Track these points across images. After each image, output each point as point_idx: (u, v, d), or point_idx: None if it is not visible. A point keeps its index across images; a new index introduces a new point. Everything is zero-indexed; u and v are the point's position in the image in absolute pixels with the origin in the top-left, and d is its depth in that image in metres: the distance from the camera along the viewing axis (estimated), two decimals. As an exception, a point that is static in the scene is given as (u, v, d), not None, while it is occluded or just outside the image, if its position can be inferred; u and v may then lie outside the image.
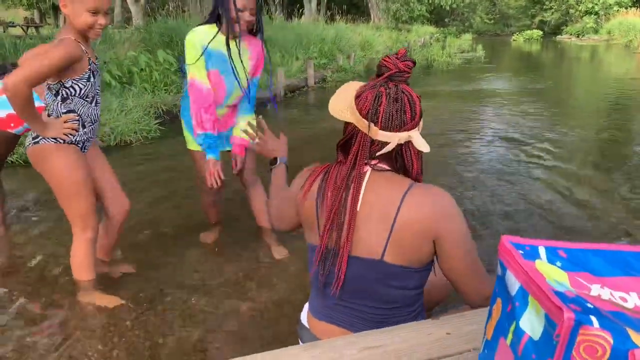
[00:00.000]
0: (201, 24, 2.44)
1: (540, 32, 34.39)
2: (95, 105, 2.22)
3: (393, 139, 1.28)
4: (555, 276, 0.90)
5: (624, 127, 6.37)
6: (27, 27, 14.82)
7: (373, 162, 1.31)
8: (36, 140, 2.11)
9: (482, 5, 39.91)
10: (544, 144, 5.27)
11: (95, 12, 2.00)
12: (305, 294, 2.03)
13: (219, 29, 2.41)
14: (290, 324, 2.07)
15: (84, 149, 2.23)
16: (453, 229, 1.27)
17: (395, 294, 1.32)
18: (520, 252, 0.96)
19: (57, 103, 2.10)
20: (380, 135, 1.27)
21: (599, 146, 5.40)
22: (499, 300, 0.90)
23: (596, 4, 31.33)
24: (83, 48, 2.05)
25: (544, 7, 38.91)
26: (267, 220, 2.83)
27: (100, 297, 2.32)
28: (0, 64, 3.16)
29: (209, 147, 2.45)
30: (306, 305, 1.53)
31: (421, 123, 1.32)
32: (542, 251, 0.97)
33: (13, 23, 15.14)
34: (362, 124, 1.28)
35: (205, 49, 2.38)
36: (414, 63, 1.33)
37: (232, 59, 2.44)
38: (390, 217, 1.26)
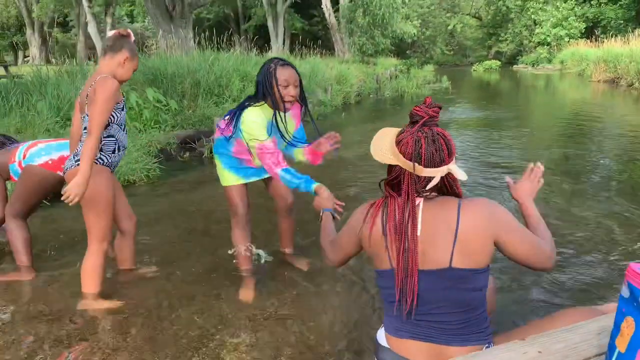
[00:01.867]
0: (249, 104, 2.59)
1: (499, 62, 35.92)
2: (126, 133, 2.67)
3: (436, 173, 1.53)
4: None
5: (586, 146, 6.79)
6: (-4, 66, 14.57)
7: (425, 192, 1.56)
8: (79, 161, 2.42)
9: (441, 38, 41.45)
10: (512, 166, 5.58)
11: (133, 59, 2.60)
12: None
13: (270, 105, 2.58)
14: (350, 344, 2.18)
15: (113, 171, 2.66)
16: (507, 220, 1.53)
17: (469, 296, 1.52)
18: None
19: None
20: (425, 172, 1.53)
21: (566, 166, 5.76)
22: (629, 318, 1.05)
23: (548, 36, 33.05)
24: (119, 84, 2.52)
25: (500, 38, 40.72)
26: (290, 245, 3.21)
27: (102, 303, 2.63)
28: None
29: (304, 180, 2.47)
30: (381, 328, 1.66)
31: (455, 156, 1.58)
32: None
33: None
34: (407, 165, 1.53)
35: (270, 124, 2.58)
36: (440, 108, 1.60)
37: (279, 127, 2.62)
38: (452, 229, 1.49)
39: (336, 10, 28.48)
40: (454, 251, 1.48)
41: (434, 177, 1.53)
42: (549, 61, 32.04)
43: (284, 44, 28.50)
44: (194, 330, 2.45)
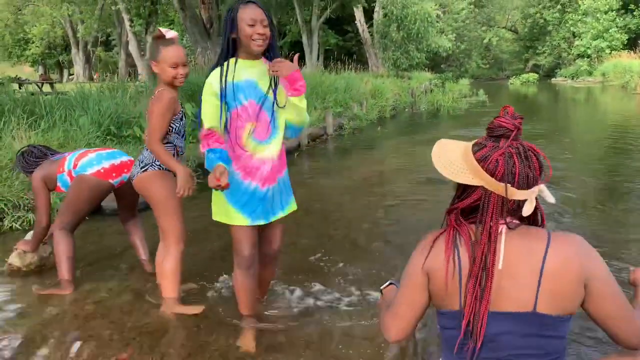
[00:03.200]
0: (212, 68, 2.24)
1: (536, 75, 35.25)
2: (184, 139, 2.78)
3: (530, 195, 1.32)
4: None
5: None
6: (42, 83, 15.15)
7: (508, 219, 1.35)
8: (145, 168, 2.63)
9: (477, 51, 41.00)
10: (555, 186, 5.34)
11: (175, 66, 2.53)
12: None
13: (236, 58, 2.22)
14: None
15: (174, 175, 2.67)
16: (601, 268, 1.32)
17: (556, 343, 1.34)
18: None
19: None
20: (517, 194, 1.32)
21: (604, 186, 5.47)
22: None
23: (588, 48, 32.24)
24: (174, 95, 2.58)
25: (537, 51, 40.04)
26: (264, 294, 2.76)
27: (181, 308, 2.71)
28: (29, 146, 3.35)
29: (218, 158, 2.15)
30: None
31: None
32: None
33: (29, 80, 15.48)
34: (496, 186, 1.32)
35: (226, 86, 2.18)
36: (523, 118, 1.39)
37: (253, 80, 2.23)
38: (537, 268, 1.29)
39: (370, 26, 28.58)
40: (540, 293, 1.28)
41: (524, 200, 1.32)
42: (590, 74, 31.23)
43: (318, 59, 28.68)
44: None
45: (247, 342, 2.38)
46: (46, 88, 14.84)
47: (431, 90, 21.19)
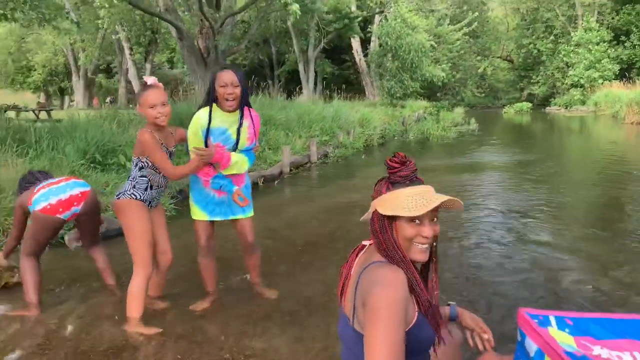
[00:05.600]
0: (200, 107, 2.99)
1: (530, 104, 35.70)
2: (162, 176, 3.00)
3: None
4: (564, 340, 1.13)
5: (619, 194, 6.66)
6: (39, 110, 15.48)
7: None
8: (119, 196, 2.95)
9: (472, 80, 41.60)
10: (540, 214, 5.53)
11: (152, 106, 2.83)
12: None
13: (213, 108, 2.95)
14: None
15: (150, 206, 3.03)
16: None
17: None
18: (535, 321, 1.21)
19: (135, 170, 2.96)
20: None
21: (596, 214, 5.66)
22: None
23: (581, 78, 32.76)
24: (156, 136, 2.89)
25: (532, 80, 40.63)
26: (257, 277, 3.43)
27: (143, 328, 2.91)
28: (29, 170, 3.64)
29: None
30: None
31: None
32: (552, 320, 1.22)
33: (26, 108, 15.82)
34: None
35: (207, 130, 2.94)
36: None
37: (223, 128, 2.99)
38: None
39: (366, 55, 29.17)
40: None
41: None
42: (583, 103, 31.67)
43: (315, 87, 29.20)
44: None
45: (204, 306, 3.22)
46: (43, 115, 15.17)
47: (425, 118, 21.53)
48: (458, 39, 33.98)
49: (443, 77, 29.63)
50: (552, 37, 38.26)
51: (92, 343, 2.82)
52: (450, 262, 4.01)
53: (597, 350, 1.10)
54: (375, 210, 1.53)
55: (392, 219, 1.49)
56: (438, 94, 36.47)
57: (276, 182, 8.01)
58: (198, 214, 3.15)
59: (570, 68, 34.23)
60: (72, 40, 28.82)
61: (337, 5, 24.29)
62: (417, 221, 1.45)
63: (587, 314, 1.22)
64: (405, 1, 28.00)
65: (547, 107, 35.48)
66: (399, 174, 1.53)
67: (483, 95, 46.55)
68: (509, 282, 3.60)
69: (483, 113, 34.12)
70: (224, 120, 2.98)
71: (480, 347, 1.54)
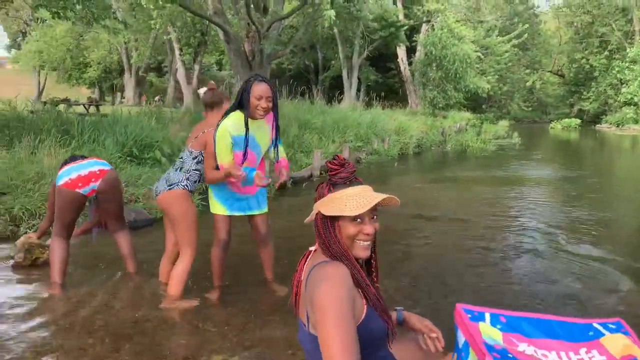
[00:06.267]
0: (229, 110, 3.08)
1: (579, 121, 34.60)
2: None
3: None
4: (491, 334, 1.18)
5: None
6: (89, 105, 16.22)
7: None
8: (172, 187, 3.17)
9: (520, 93, 40.69)
10: (574, 232, 5.40)
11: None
12: None
13: (244, 113, 3.03)
14: None
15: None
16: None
17: None
18: (469, 315, 1.26)
19: (193, 163, 3.22)
20: None
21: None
22: (456, 354, 1.18)
23: (635, 95, 31.52)
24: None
25: (582, 96, 39.38)
26: (270, 271, 3.55)
27: (181, 303, 3.17)
28: (71, 155, 3.81)
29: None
30: None
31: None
32: (487, 316, 1.26)
33: (77, 101, 16.61)
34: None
35: (245, 139, 3.08)
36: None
37: (252, 136, 3.10)
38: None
39: (411, 64, 29.06)
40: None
41: None
42: (636, 122, 30.46)
43: (358, 93, 29.30)
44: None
45: (213, 300, 3.32)
46: (92, 110, 15.88)
47: (466, 130, 21.24)
48: (507, 51, 33.39)
49: (488, 88, 29.18)
50: (606, 53, 37.01)
51: (105, 323, 2.98)
52: (492, 270, 4.00)
53: (522, 346, 1.14)
54: (319, 211, 1.59)
55: (335, 219, 1.55)
56: (483, 106, 35.90)
57: (304, 184, 8.14)
58: (218, 208, 3.28)
59: (624, 85, 32.99)
60: (126, 39, 29.99)
61: (384, 13, 24.33)
62: (358, 220, 1.52)
63: (522, 313, 1.26)
64: (453, 11, 27.82)
65: (598, 125, 34.30)
66: (339, 176, 1.58)
67: (530, 109, 45.39)
68: (542, 292, 3.59)
69: (529, 127, 33.31)
70: (251, 129, 3.09)
71: (432, 349, 1.52)
